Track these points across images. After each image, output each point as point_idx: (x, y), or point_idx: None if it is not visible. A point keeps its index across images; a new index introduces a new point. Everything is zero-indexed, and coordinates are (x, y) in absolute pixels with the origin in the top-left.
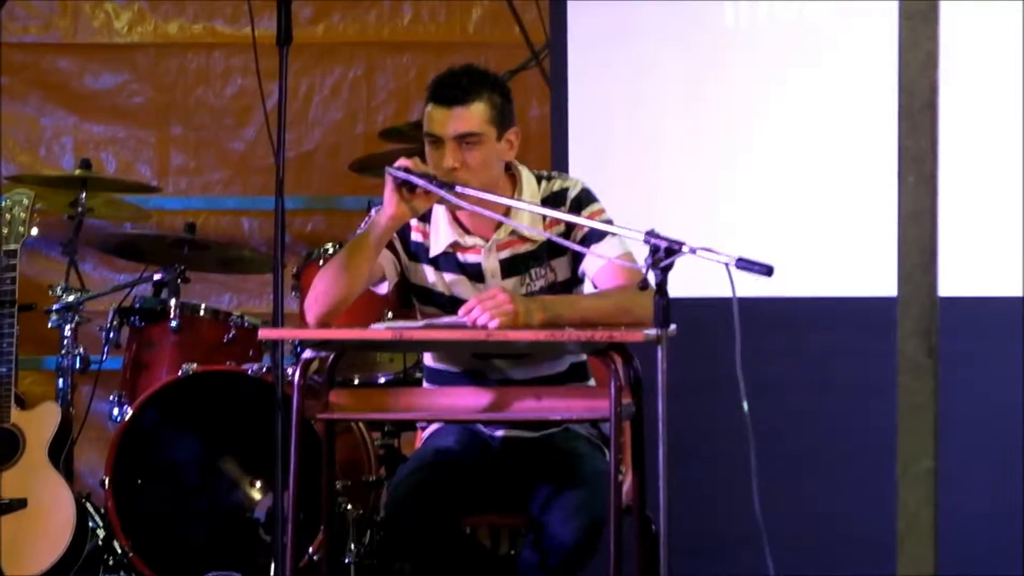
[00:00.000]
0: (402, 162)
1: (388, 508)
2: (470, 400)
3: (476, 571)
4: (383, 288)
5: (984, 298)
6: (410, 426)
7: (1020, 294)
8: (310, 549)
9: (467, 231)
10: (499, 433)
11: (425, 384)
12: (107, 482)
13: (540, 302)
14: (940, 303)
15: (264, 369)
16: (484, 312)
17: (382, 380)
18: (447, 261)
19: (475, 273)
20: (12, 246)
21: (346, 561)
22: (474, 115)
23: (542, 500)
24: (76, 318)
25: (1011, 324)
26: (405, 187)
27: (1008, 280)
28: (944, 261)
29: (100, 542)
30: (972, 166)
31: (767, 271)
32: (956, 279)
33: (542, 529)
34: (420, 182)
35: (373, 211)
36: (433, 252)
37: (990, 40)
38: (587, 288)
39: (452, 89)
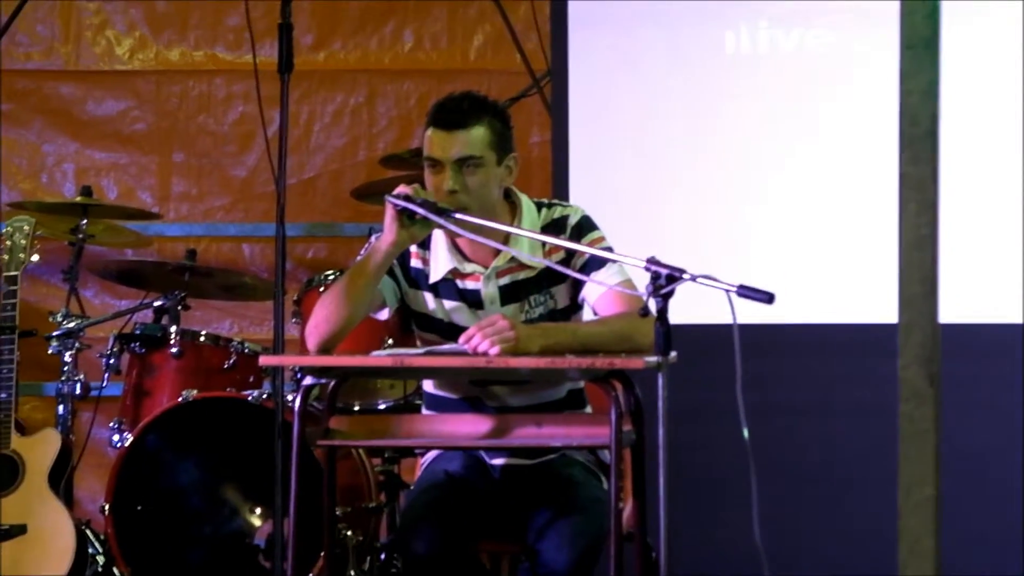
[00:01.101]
0: (402, 189)
1: (401, 530)
2: (471, 427)
3: None
4: (383, 314)
5: (984, 325)
6: (410, 452)
7: (1020, 321)
8: (310, 575)
9: (467, 258)
10: (498, 461)
11: (424, 410)
12: (107, 508)
13: (540, 329)
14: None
15: (265, 395)
16: (485, 339)
17: (382, 406)
18: (446, 288)
19: (474, 300)
20: (13, 272)
21: None
22: (474, 139)
23: (538, 528)
24: (77, 344)
25: (1011, 351)
26: (405, 214)
27: (1008, 307)
28: (946, 288)
29: (100, 568)
30: (973, 192)
31: (768, 298)
32: (957, 305)
33: (537, 557)
34: (420, 210)
35: (373, 238)
36: (433, 279)
37: (992, 69)
38: (587, 315)
39: (452, 113)
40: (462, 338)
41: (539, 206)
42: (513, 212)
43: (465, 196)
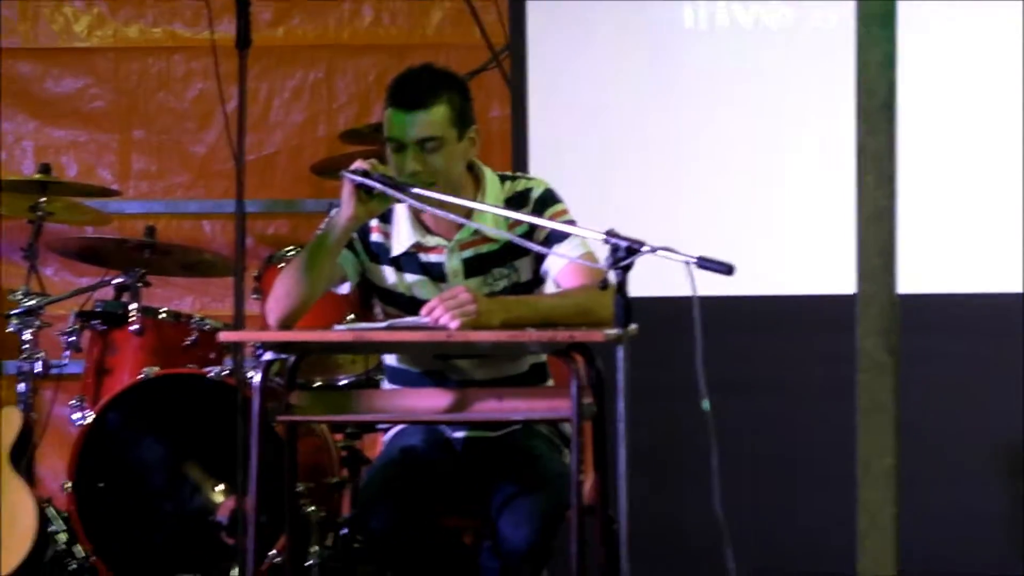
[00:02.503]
0: (359, 164)
1: (360, 506)
2: (432, 401)
3: (448, 568)
4: (344, 289)
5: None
6: (372, 428)
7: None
8: (273, 552)
9: (429, 231)
10: (460, 434)
11: (386, 384)
12: (69, 486)
13: (501, 302)
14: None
15: (225, 372)
16: (446, 312)
17: (344, 382)
18: (409, 261)
19: (437, 273)
20: None
21: (309, 563)
22: (435, 119)
23: (498, 504)
24: (37, 322)
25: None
26: (362, 189)
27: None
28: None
29: (62, 546)
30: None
31: (728, 270)
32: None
33: (497, 533)
34: (377, 184)
35: (333, 212)
36: (395, 252)
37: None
38: (550, 288)
39: (412, 93)
40: (424, 309)
41: (502, 179)
42: (477, 185)
43: (429, 176)
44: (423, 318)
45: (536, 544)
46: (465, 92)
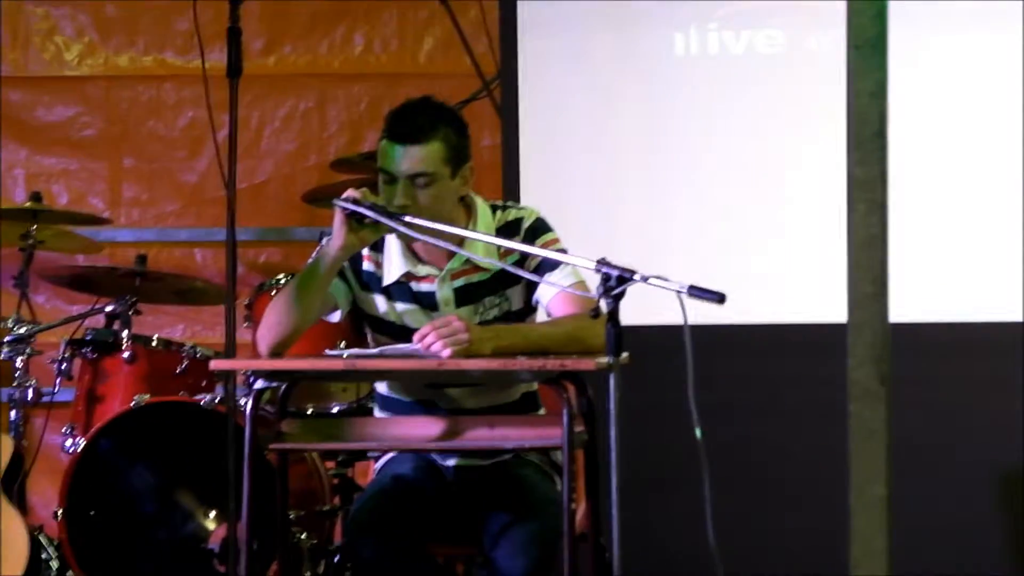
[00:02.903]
0: (350, 193)
1: (349, 535)
2: (423, 429)
3: None
4: (335, 317)
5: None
6: (364, 455)
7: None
8: None
9: (420, 260)
10: (451, 462)
11: (377, 412)
12: (60, 514)
13: (493, 331)
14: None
15: (217, 400)
16: (438, 339)
17: (335, 410)
18: (400, 291)
19: (429, 302)
20: None
21: None
22: (429, 155)
23: (492, 534)
24: (28, 350)
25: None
26: (354, 218)
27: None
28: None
29: (54, 574)
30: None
31: (719, 299)
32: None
33: (492, 564)
34: (369, 213)
35: (324, 241)
36: (386, 281)
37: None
38: (541, 316)
39: (408, 127)
40: (416, 336)
41: (494, 208)
42: (468, 214)
43: (415, 210)
44: (414, 346)
45: (533, 574)
46: (462, 129)
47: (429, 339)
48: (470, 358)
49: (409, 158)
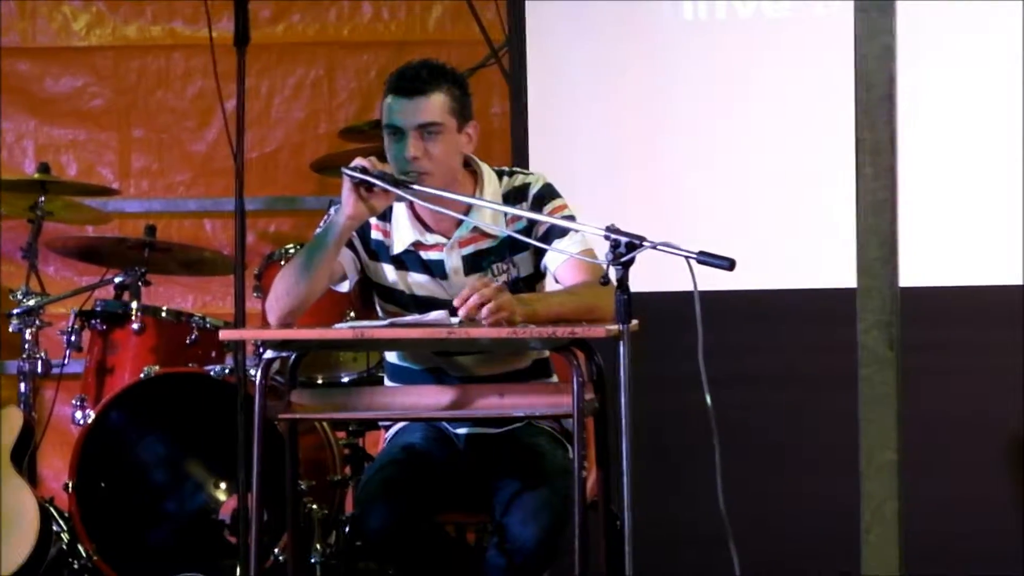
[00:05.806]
0: (358, 161)
1: (358, 505)
2: (434, 398)
3: (450, 566)
4: (344, 286)
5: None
6: (374, 425)
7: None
8: (276, 550)
9: (428, 229)
10: (462, 430)
11: (387, 381)
12: (70, 486)
13: (520, 300)
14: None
15: (227, 370)
16: (484, 308)
17: (345, 379)
18: (409, 259)
19: (438, 271)
20: None
21: (312, 561)
22: (435, 105)
23: (504, 501)
24: (37, 322)
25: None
26: (362, 186)
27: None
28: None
29: (64, 546)
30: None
31: (729, 265)
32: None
33: (504, 532)
34: (378, 181)
35: (332, 210)
36: (395, 251)
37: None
38: (549, 283)
39: (412, 81)
40: (457, 299)
41: (500, 174)
42: (474, 181)
43: (427, 163)
44: (437, 315)
45: (545, 541)
46: (464, 87)
47: (474, 300)
48: (481, 327)
49: (417, 110)
